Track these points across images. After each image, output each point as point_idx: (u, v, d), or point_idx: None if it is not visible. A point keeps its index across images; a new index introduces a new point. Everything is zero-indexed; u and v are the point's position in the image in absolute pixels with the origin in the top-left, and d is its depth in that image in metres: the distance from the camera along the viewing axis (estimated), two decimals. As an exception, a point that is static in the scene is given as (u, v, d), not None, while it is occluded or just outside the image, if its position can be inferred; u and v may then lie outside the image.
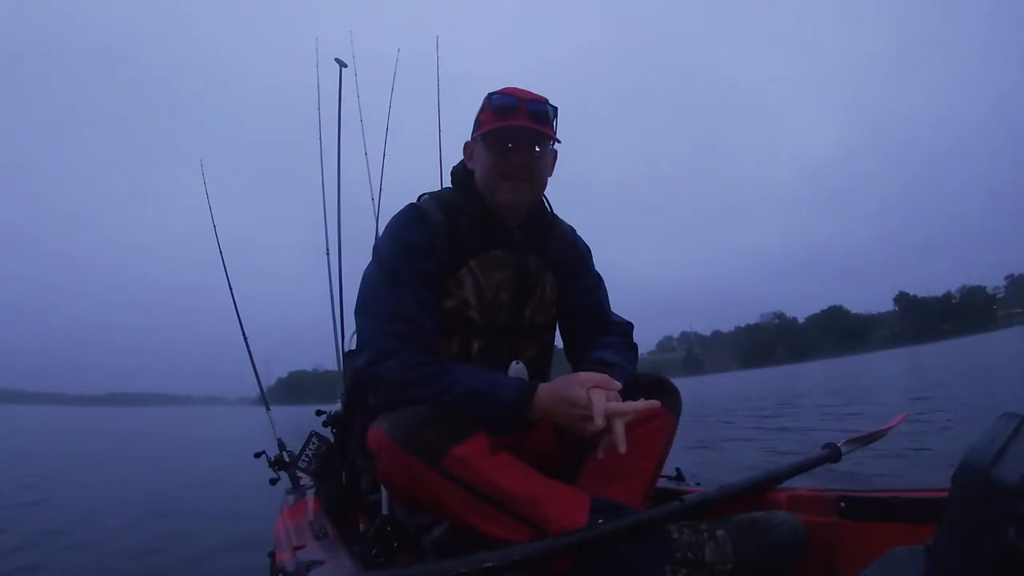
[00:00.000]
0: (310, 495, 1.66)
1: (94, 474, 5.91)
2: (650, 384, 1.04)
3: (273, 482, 1.90)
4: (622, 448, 0.81)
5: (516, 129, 1.01)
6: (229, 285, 2.34)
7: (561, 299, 1.16)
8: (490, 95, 1.05)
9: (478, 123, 1.07)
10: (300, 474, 1.85)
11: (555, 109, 1.05)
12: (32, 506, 3.81)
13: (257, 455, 2.02)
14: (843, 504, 0.96)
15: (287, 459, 1.92)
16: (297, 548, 1.13)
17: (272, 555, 1.32)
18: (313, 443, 1.61)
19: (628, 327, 1.21)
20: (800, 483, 1.10)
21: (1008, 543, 0.36)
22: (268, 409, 2.31)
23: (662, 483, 1.24)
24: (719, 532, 0.85)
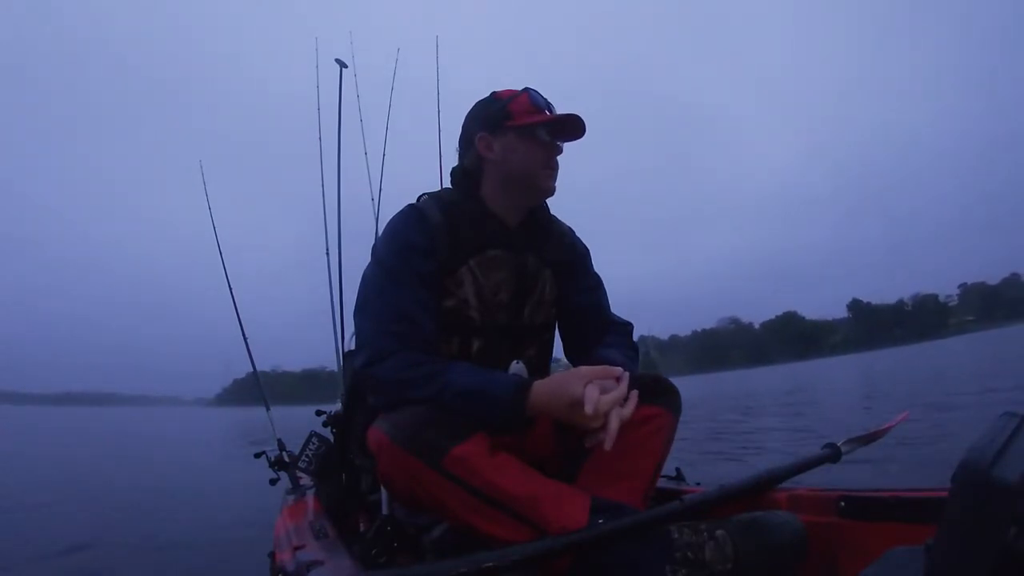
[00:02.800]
0: (310, 495, 1.66)
1: (80, 479, 5.87)
2: (650, 384, 1.04)
3: (273, 482, 1.91)
4: (608, 446, 0.81)
5: (574, 121, 1.05)
6: (229, 286, 2.34)
7: (560, 299, 1.16)
8: (527, 89, 1.08)
9: (509, 113, 1.05)
10: (300, 474, 1.86)
11: None
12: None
13: (257, 455, 2.02)
14: (843, 504, 0.96)
15: (287, 459, 1.92)
16: (297, 548, 1.13)
17: (272, 555, 1.32)
18: (313, 443, 1.61)
19: (628, 327, 1.21)
20: (800, 483, 1.10)
21: (1008, 543, 0.36)
22: (268, 409, 2.31)
23: (662, 483, 1.24)
24: (719, 532, 0.85)
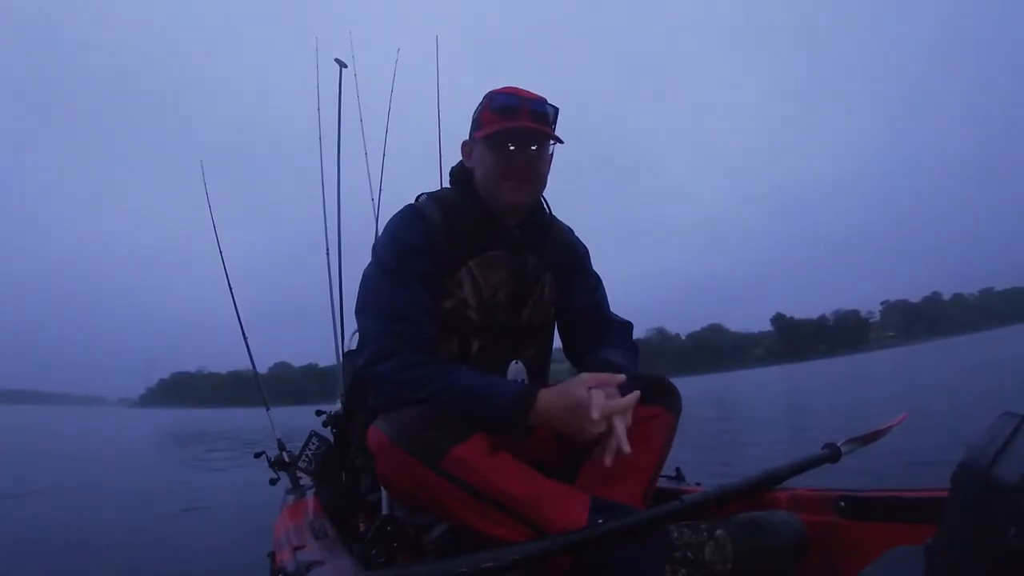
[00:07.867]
0: (310, 495, 1.66)
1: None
2: (650, 384, 1.03)
3: (273, 482, 1.90)
4: (626, 448, 0.81)
5: (519, 130, 1.01)
6: (229, 286, 2.34)
7: (560, 299, 1.16)
8: (491, 95, 1.05)
9: (478, 123, 1.06)
10: (300, 474, 1.85)
11: (556, 109, 1.05)
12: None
13: (257, 455, 2.02)
14: (843, 504, 0.96)
15: (287, 459, 1.92)
16: (297, 548, 1.13)
17: (272, 555, 1.31)
18: (313, 443, 1.61)
19: (628, 327, 1.21)
20: (800, 483, 1.10)
21: (1008, 543, 0.36)
22: (268, 409, 2.31)
23: (662, 483, 1.24)
24: (719, 532, 0.85)
